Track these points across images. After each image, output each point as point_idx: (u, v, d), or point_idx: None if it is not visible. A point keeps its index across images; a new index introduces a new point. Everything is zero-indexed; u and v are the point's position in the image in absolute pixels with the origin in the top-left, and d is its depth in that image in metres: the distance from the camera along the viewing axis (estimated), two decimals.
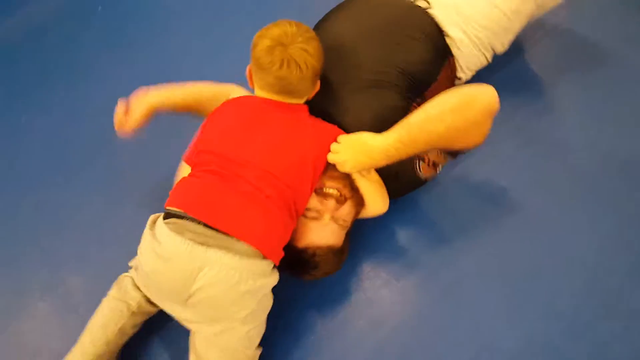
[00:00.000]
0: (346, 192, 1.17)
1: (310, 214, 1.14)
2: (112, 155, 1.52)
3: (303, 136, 1.10)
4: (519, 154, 1.43)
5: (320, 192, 1.15)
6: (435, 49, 1.25)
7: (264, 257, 1.01)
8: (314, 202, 1.14)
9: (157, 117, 1.23)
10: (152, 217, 1.08)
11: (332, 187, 1.15)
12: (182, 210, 1.01)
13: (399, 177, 1.20)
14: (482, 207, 1.37)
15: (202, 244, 0.96)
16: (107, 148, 1.51)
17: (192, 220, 0.99)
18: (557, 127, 1.48)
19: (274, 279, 1.06)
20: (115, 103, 1.20)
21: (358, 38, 1.22)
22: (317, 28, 1.28)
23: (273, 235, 1.03)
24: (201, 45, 1.77)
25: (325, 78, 1.16)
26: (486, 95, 1.05)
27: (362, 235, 1.31)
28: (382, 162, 1.09)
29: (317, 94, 1.17)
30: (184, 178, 1.09)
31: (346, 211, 1.17)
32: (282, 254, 1.07)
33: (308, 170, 1.08)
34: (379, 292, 1.28)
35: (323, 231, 1.14)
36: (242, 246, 0.98)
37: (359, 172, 1.14)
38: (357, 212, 1.21)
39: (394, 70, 1.18)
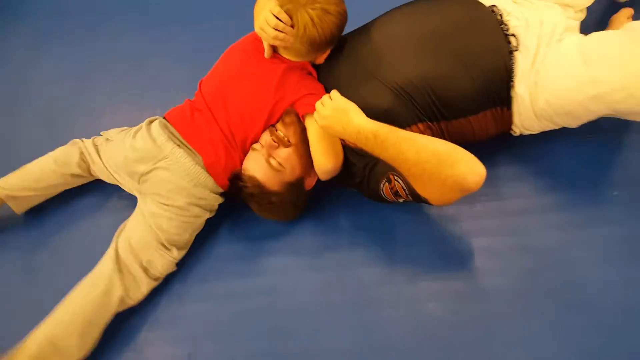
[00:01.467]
0: (293, 139, 1.24)
1: (256, 145, 1.28)
2: None
3: (268, 87, 1.26)
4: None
5: (271, 130, 1.26)
6: (487, 92, 1.17)
7: (210, 176, 1.28)
8: (264, 136, 1.27)
9: None
10: (150, 118, 1.37)
11: (281, 131, 1.25)
12: (170, 122, 1.33)
13: (369, 184, 1.19)
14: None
15: (173, 141, 1.28)
16: None
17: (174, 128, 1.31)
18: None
19: (213, 197, 1.31)
20: None
21: (411, 40, 1.20)
22: (378, 18, 1.30)
23: (221, 162, 1.28)
24: None
25: (358, 63, 1.22)
26: (469, 170, 0.96)
27: None
28: (349, 138, 1.12)
29: (344, 73, 1.25)
30: (181, 105, 1.38)
31: (284, 155, 1.24)
32: (225, 181, 1.30)
33: (263, 117, 1.26)
34: None
35: (255, 162, 1.26)
36: (199, 160, 1.27)
37: (321, 127, 1.17)
38: (301, 166, 1.25)
39: (423, 89, 1.16)
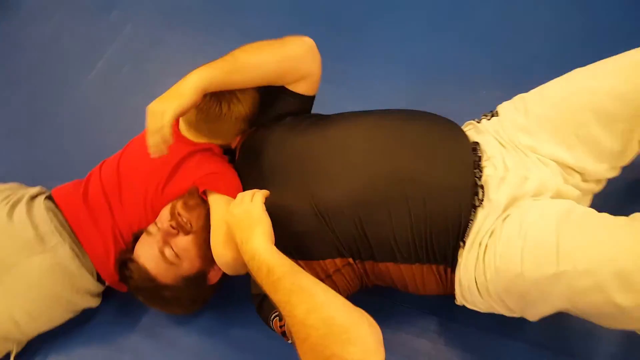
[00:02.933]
0: (196, 225, 1.04)
1: (151, 227, 1.07)
2: None
3: (163, 170, 1.12)
4: None
5: (172, 212, 1.05)
6: (429, 244, 0.93)
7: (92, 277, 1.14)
8: (163, 214, 1.07)
9: None
10: (37, 189, 1.21)
11: (184, 215, 1.05)
12: (58, 204, 1.16)
13: (262, 306, 0.98)
14: None
15: (59, 233, 1.11)
16: None
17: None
18: None
19: (91, 300, 1.17)
20: None
21: (358, 154, 0.98)
22: (335, 115, 1.11)
23: (110, 260, 1.12)
24: None
25: (295, 161, 1.03)
26: (362, 356, 0.72)
27: None
28: (242, 257, 0.92)
29: (276, 164, 1.05)
30: (76, 181, 1.21)
31: (182, 245, 1.03)
32: (114, 278, 1.13)
33: (141, 208, 1.13)
34: None
35: (147, 249, 1.05)
36: (86, 259, 1.12)
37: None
38: (201, 259, 1.05)
39: (351, 218, 0.94)
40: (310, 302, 0.78)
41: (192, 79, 0.93)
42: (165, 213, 1.07)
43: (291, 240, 0.95)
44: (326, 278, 0.96)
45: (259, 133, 1.14)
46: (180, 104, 0.91)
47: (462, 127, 1.07)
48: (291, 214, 0.97)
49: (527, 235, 0.83)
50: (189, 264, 1.05)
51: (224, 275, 1.09)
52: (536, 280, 0.81)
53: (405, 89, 1.57)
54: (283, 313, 0.82)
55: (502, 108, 1.06)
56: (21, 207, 1.12)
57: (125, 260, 1.08)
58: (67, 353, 1.22)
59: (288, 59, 1.05)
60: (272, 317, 0.95)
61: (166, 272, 1.05)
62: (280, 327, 0.93)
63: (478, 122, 1.07)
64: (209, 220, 1.04)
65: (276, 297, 0.82)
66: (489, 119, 1.06)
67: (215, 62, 0.97)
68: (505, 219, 0.88)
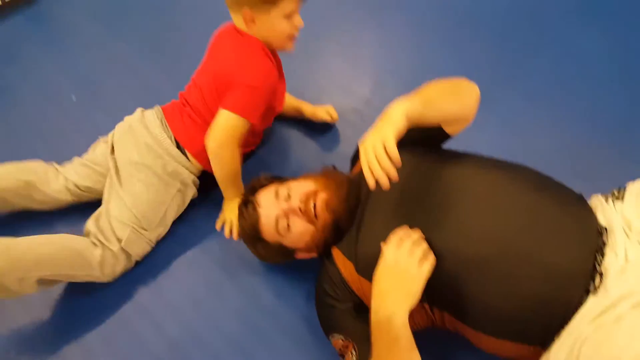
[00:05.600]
0: (320, 222, 1.05)
1: (282, 190, 1.10)
2: None
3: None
4: None
5: (308, 197, 1.06)
6: (525, 323, 0.88)
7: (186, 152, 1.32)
8: (297, 190, 1.09)
9: None
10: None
11: (317, 208, 1.05)
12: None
13: (330, 315, 1.06)
14: None
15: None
16: None
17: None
18: None
19: (187, 166, 1.32)
20: None
21: (480, 206, 0.93)
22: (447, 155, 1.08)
23: (194, 136, 1.31)
24: None
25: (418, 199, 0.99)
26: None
27: None
28: (371, 304, 0.92)
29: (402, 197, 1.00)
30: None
31: (298, 227, 1.06)
32: (201, 153, 1.28)
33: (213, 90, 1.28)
34: None
35: (269, 204, 1.09)
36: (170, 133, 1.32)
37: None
38: (304, 244, 1.09)
39: (448, 275, 0.90)
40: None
41: (398, 109, 0.92)
42: (302, 189, 1.08)
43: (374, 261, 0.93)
44: None
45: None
46: (397, 127, 0.89)
47: (590, 201, 1.00)
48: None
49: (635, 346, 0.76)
50: (292, 242, 1.10)
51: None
52: None
53: (550, 133, 1.49)
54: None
55: (632, 190, 0.96)
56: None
57: (248, 201, 1.14)
58: None
59: (465, 107, 1.06)
60: (336, 335, 1.01)
61: (269, 233, 1.10)
62: (339, 350, 1.00)
63: (606, 201, 0.97)
64: (334, 224, 1.06)
65: (381, 354, 0.88)
66: (617, 198, 0.97)
67: (412, 97, 0.96)
68: (618, 317, 0.79)
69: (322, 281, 1.08)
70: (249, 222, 1.11)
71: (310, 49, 1.76)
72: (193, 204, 1.40)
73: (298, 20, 1.23)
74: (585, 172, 1.32)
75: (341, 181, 1.11)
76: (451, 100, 1.05)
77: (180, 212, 1.37)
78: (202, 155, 1.28)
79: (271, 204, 1.09)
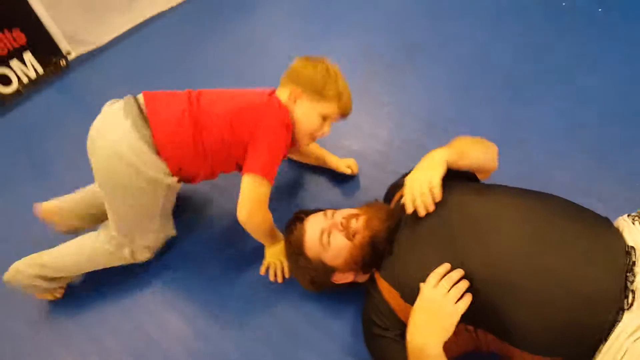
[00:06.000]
0: (358, 240, 1.14)
1: (329, 211, 1.23)
2: None
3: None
4: None
5: (351, 216, 1.18)
6: (562, 341, 0.93)
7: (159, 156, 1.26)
8: (343, 211, 1.22)
9: None
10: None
11: (357, 226, 1.16)
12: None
13: (378, 344, 1.11)
14: None
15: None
16: None
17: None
18: None
19: (156, 173, 1.26)
20: None
21: (512, 231, 0.99)
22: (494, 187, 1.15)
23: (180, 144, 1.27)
24: None
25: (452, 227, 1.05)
26: None
27: None
28: (407, 332, 1.01)
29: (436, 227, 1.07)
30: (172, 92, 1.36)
31: (338, 242, 1.15)
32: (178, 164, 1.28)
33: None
34: None
35: (316, 221, 1.21)
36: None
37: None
38: (343, 262, 1.17)
39: (487, 295, 0.96)
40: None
41: (440, 154, 1.10)
42: (347, 212, 1.21)
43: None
44: None
45: None
46: (441, 171, 1.08)
47: (616, 223, 1.04)
48: (434, 265, 1.00)
49: None
50: (331, 256, 1.18)
51: (347, 284, 1.23)
52: None
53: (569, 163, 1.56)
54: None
55: None
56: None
57: (298, 217, 1.27)
58: None
59: (489, 159, 1.26)
60: None
61: (312, 247, 1.19)
62: None
63: (632, 222, 1.01)
64: (371, 242, 1.14)
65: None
66: None
67: (450, 146, 1.14)
68: None
69: (369, 312, 1.13)
70: (295, 235, 1.22)
71: None
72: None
73: (328, 127, 1.36)
74: (605, 194, 1.39)
75: (381, 207, 1.22)
76: (480, 152, 1.21)
77: (174, 198, 1.40)
78: (177, 166, 1.28)
79: (318, 220, 1.21)
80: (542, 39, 2.02)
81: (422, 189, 1.06)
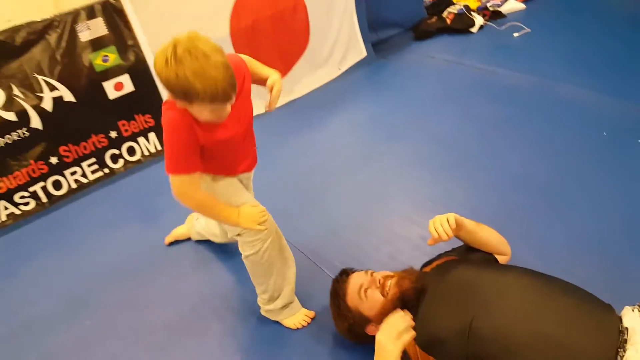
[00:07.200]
0: (389, 297, 1.39)
1: (374, 272, 1.50)
2: None
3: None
4: None
5: (388, 276, 1.46)
6: None
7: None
8: (383, 271, 1.49)
9: None
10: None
11: (392, 287, 1.42)
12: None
13: None
14: None
15: None
16: None
17: None
18: None
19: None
20: None
21: (518, 309, 1.19)
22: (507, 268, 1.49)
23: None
24: None
25: (466, 292, 1.29)
26: None
27: None
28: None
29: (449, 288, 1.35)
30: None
31: (374, 297, 1.40)
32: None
33: None
34: None
35: (360, 277, 1.49)
36: None
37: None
38: (375, 314, 1.40)
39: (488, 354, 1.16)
40: None
41: (452, 214, 1.43)
42: (384, 273, 1.48)
43: (431, 342, 1.24)
44: None
45: (456, 261, 1.50)
46: (454, 214, 1.43)
47: (622, 311, 1.19)
48: (448, 321, 1.24)
49: None
50: (367, 308, 1.43)
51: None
52: None
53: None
54: None
55: None
56: None
57: (345, 272, 1.56)
58: None
59: (501, 244, 1.58)
60: None
61: (353, 297, 1.46)
62: None
63: (633, 310, 1.17)
64: (401, 297, 1.39)
65: None
66: None
67: (468, 221, 1.48)
68: None
69: None
70: (340, 285, 1.50)
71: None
72: None
73: (222, 111, 1.30)
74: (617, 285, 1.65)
75: (412, 272, 1.48)
76: (492, 235, 1.55)
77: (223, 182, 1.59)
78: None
79: (360, 276, 1.49)
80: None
81: (441, 221, 1.39)
